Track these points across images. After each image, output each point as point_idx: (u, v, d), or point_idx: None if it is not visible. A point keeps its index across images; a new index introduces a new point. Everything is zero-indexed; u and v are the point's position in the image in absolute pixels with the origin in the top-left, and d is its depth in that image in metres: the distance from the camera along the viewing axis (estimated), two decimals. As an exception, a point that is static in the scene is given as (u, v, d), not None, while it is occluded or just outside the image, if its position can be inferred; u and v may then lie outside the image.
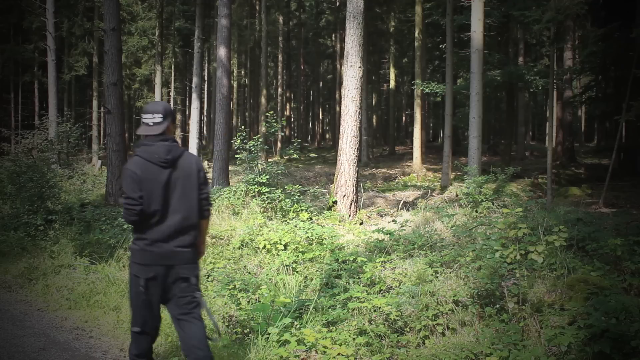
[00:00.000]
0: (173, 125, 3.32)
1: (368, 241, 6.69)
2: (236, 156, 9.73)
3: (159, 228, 3.12)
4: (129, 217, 3.10)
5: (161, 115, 3.20)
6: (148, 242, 3.12)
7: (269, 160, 15.92)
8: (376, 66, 39.03)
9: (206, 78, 33.62)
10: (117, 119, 10.77)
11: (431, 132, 45.81)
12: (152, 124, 3.18)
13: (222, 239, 7.18)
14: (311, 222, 7.71)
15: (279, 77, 36.33)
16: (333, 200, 9.80)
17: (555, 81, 15.80)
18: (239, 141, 9.54)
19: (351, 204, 9.74)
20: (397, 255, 5.85)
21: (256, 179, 9.01)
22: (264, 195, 8.74)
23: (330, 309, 4.55)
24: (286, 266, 5.78)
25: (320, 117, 51.48)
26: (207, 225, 3.41)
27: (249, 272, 5.94)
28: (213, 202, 2.78)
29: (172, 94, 30.03)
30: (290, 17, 38.97)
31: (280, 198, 8.71)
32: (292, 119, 43.23)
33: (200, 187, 3.27)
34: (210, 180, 15.73)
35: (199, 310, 3.25)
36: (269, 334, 4.06)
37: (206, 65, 33.19)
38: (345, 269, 5.47)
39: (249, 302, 4.81)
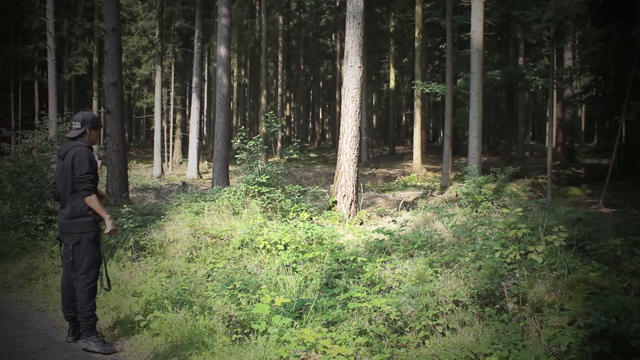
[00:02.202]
0: (93, 131, 4.53)
1: (368, 241, 6.69)
2: (236, 156, 9.72)
3: (60, 205, 4.49)
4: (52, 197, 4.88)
5: (79, 124, 4.45)
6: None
7: (269, 160, 15.92)
8: (376, 66, 39.04)
9: (206, 78, 33.62)
10: (117, 119, 10.77)
11: (431, 132, 45.82)
12: (74, 128, 4.45)
13: (222, 239, 7.17)
14: (311, 222, 7.71)
15: (279, 77, 36.34)
16: (333, 200, 9.80)
17: (555, 81, 15.81)
18: (239, 141, 9.53)
19: (351, 204, 9.74)
20: (397, 255, 5.85)
21: (256, 179, 9.00)
22: (264, 195, 8.73)
23: (330, 309, 4.55)
24: (286, 266, 5.78)
25: (320, 117, 51.51)
26: (90, 200, 4.30)
27: (249, 272, 5.94)
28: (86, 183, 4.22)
29: (172, 94, 30.02)
30: (290, 17, 38.98)
31: (280, 198, 8.71)
32: (292, 119, 43.24)
33: (73, 171, 4.31)
34: (210, 180, 15.74)
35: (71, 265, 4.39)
36: (269, 334, 4.06)
37: (206, 65, 33.19)
38: (345, 269, 5.47)
39: (249, 302, 4.80)
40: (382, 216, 10.17)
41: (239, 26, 33.24)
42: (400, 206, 11.01)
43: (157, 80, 25.25)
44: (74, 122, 4.45)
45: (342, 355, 3.79)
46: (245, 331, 4.34)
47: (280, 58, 35.76)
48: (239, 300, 4.79)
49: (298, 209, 8.68)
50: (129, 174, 12.56)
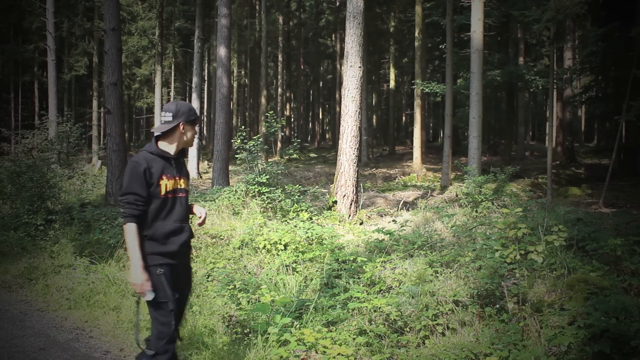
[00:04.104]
0: (188, 127, 3.14)
1: (368, 241, 6.69)
2: (236, 156, 9.72)
3: None
4: None
5: (170, 115, 3.10)
6: None
7: (269, 160, 15.92)
8: (376, 66, 39.03)
9: (206, 78, 33.62)
10: (117, 119, 10.77)
11: (431, 132, 45.80)
12: (163, 122, 3.12)
13: (222, 239, 7.17)
14: (311, 222, 7.71)
15: (279, 77, 36.32)
16: (333, 200, 9.80)
17: (555, 81, 15.80)
18: (239, 141, 9.53)
19: (351, 204, 9.74)
20: (397, 255, 5.84)
21: (256, 179, 9.00)
22: (264, 195, 8.73)
23: (330, 309, 4.55)
24: (286, 266, 5.78)
25: (320, 117, 51.47)
26: (125, 232, 2.95)
27: (249, 272, 5.94)
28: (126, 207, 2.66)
29: (172, 94, 30.03)
30: (290, 17, 38.96)
31: (280, 198, 8.71)
32: (292, 119, 43.21)
33: None
34: (210, 180, 15.74)
35: None
36: (269, 334, 4.06)
37: (206, 65, 33.18)
38: (345, 269, 5.47)
39: (249, 302, 4.80)
40: (382, 216, 10.17)
41: (239, 26, 33.24)
42: (400, 206, 11.01)
43: (157, 80, 25.25)
44: (164, 112, 3.10)
45: (342, 355, 3.79)
46: (245, 331, 4.34)
47: (280, 58, 35.74)
48: (239, 300, 4.79)
49: (298, 209, 8.68)
50: (129, 174, 12.52)
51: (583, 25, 23.62)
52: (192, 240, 3.22)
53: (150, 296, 2.91)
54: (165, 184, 3.02)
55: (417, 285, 4.67)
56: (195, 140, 21.21)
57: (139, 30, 26.76)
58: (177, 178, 3.09)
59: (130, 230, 2.92)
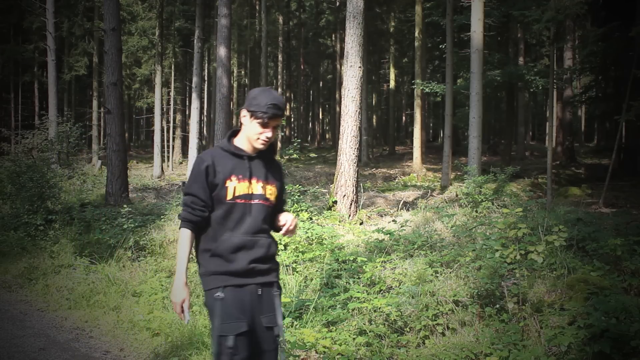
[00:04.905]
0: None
1: (368, 241, 6.69)
2: (236, 156, 9.71)
3: None
4: None
5: None
6: None
7: (269, 160, 15.87)
8: (376, 66, 39.03)
9: (206, 78, 33.61)
10: (117, 119, 10.77)
11: (431, 132, 45.78)
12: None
13: (222, 239, 7.16)
14: (311, 222, 7.70)
15: (279, 77, 36.32)
16: (333, 200, 9.80)
17: (555, 81, 15.80)
18: (239, 141, 9.52)
19: (351, 204, 9.73)
20: (397, 255, 5.84)
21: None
22: (264, 195, 8.72)
23: (330, 309, 4.55)
24: (286, 266, 5.78)
25: (320, 117, 51.47)
26: (179, 236, 2.54)
27: (249, 272, 5.93)
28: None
29: (172, 93, 30.03)
30: (290, 17, 38.96)
31: (280, 198, 8.70)
32: (292, 119, 43.21)
33: None
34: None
35: None
36: (269, 334, 4.05)
37: (206, 65, 33.17)
38: (345, 269, 5.47)
39: (249, 302, 4.79)
40: (382, 216, 10.17)
41: (239, 26, 33.24)
42: (400, 206, 11.00)
43: (157, 80, 25.26)
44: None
45: (342, 355, 3.79)
46: (245, 331, 4.33)
47: (280, 58, 35.74)
48: (239, 300, 4.78)
49: (298, 209, 8.68)
50: (129, 174, 12.57)
51: (583, 25, 23.63)
52: (274, 256, 2.61)
53: (186, 318, 2.44)
54: (234, 187, 2.48)
55: (417, 285, 4.67)
56: (195, 140, 21.41)
57: (139, 30, 26.76)
58: (252, 181, 2.53)
59: (183, 236, 2.48)
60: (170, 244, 7.11)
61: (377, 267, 5.43)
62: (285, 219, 2.62)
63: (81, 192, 11.84)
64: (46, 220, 8.19)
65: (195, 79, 22.00)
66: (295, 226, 2.64)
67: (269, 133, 2.49)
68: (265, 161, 2.61)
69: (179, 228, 2.49)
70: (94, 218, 8.15)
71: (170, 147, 29.48)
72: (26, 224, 8.13)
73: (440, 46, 21.40)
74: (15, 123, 32.30)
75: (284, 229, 2.61)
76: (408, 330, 4.25)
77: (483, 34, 12.86)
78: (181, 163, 30.62)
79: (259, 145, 2.52)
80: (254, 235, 2.51)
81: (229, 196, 2.47)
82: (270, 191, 2.59)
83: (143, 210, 9.31)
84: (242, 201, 2.50)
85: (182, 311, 2.43)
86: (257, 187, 2.54)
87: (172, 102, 30.21)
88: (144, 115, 39.02)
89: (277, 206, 2.65)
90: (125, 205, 8.44)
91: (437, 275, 5.04)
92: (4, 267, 6.87)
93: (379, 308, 4.36)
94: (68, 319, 5.20)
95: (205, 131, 37.33)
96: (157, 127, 24.42)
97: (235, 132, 2.61)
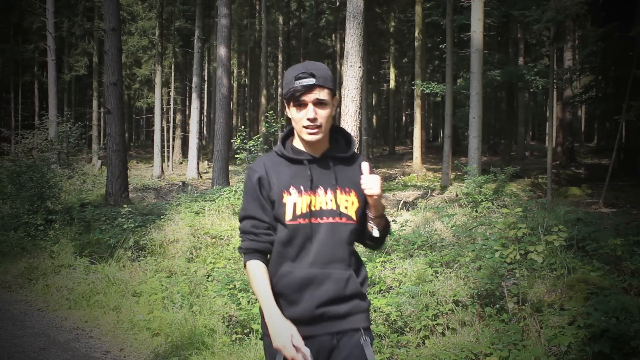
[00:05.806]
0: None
1: (368, 241, 6.67)
2: (236, 156, 9.73)
3: None
4: None
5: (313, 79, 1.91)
6: None
7: (269, 160, 15.85)
8: (376, 66, 39.03)
9: (206, 78, 33.62)
10: (117, 119, 10.77)
11: (431, 132, 45.78)
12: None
13: (222, 239, 7.17)
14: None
15: (279, 77, 36.33)
16: (333, 200, 9.77)
17: (555, 81, 15.80)
18: (239, 141, 9.54)
19: (351, 204, 9.70)
20: (397, 255, 5.84)
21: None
22: (264, 195, 8.72)
23: (330, 309, 4.54)
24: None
25: (321, 117, 51.39)
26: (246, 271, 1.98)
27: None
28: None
29: (172, 94, 30.03)
30: (290, 17, 38.96)
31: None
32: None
33: None
34: (210, 180, 15.74)
35: None
36: (269, 334, 4.05)
37: (206, 65, 33.18)
38: (345, 269, 5.46)
39: (249, 302, 4.80)
40: (382, 216, 10.14)
41: (239, 26, 33.24)
42: (400, 206, 11.00)
43: (157, 80, 25.26)
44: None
45: (342, 355, 3.78)
46: (245, 331, 4.34)
47: (280, 58, 35.74)
48: (239, 300, 4.79)
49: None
50: (129, 174, 12.57)
51: (583, 25, 23.61)
52: (358, 295, 1.94)
53: (308, 353, 1.74)
54: (294, 203, 1.88)
55: (417, 285, 4.67)
56: (195, 140, 21.39)
57: (139, 30, 26.76)
58: (317, 192, 1.90)
59: (253, 270, 1.89)
60: (170, 244, 7.11)
61: (377, 267, 5.43)
62: (366, 180, 1.90)
63: (81, 192, 11.85)
64: (46, 220, 8.19)
65: (195, 79, 22.01)
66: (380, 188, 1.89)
67: (310, 113, 1.84)
68: (335, 161, 1.96)
69: (244, 263, 1.92)
70: (94, 218, 8.16)
71: (170, 147, 29.49)
72: (26, 224, 8.13)
73: (440, 46, 21.41)
74: (15, 123, 32.30)
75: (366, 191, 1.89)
76: (408, 330, 4.25)
77: (483, 34, 12.86)
78: (181, 163, 30.63)
79: (307, 136, 1.88)
80: (325, 267, 1.88)
81: (288, 216, 1.88)
82: (347, 203, 1.92)
83: (143, 210, 9.32)
84: (306, 221, 1.87)
85: (298, 351, 1.73)
86: (324, 200, 1.90)
87: (172, 102, 30.21)
88: (144, 115, 39.02)
89: (363, 222, 1.97)
90: (125, 205, 8.44)
91: (437, 275, 5.04)
92: (4, 267, 6.87)
93: (379, 308, 4.36)
94: (68, 319, 5.20)
95: (205, 131, 37.35)
96: (157, 127, 24.42)
97: (291, 131, 2.02)
